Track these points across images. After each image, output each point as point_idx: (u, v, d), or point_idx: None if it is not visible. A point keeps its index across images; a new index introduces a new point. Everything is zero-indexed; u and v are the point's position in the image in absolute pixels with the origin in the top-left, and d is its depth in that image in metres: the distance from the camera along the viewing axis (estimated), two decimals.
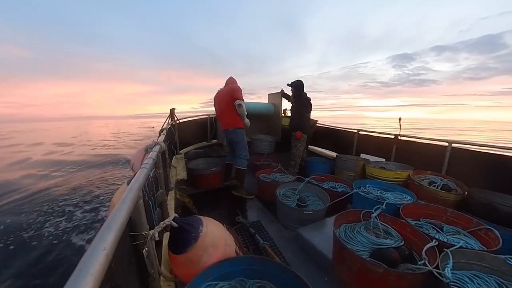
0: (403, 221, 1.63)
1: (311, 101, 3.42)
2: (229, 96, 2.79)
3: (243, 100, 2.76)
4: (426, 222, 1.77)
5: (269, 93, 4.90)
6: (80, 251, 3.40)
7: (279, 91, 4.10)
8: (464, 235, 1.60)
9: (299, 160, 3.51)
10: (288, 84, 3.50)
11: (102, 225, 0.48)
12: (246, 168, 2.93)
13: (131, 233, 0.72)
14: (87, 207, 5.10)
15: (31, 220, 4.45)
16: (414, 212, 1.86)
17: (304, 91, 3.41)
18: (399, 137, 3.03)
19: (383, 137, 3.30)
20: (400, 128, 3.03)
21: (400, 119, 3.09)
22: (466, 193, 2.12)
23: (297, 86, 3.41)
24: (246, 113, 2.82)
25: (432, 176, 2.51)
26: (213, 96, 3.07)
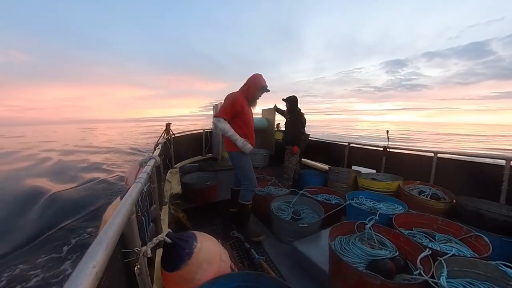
0: (397, 231, 1.62)
1: (304, 116, 3.49)
2: None
3: (223, 118, 2.02)
4: (418, 231, 1.77)
5: (262, 108, 4.99)
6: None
7: (273, 106, 4.19)
8: (456, 243, 1.60)
9: (292, 173, 3.52)
10: (283, 99, 3.58)
11: (93, 241, 0.46)
12: (249, 202, 2.21)
13: (122, 250, 0.69)
14: None
15: None
16: (406, 221, 1.86)
17: (298, 106, 3.50)
18: (388, 149, 3.09)
19: (373, 149, 3.36)
20: (388, 140, 3.10)
21: (387, 131, 3.17)
22: (454, 201, 2.16)
23: (292, 101, 3.48)
24: (229, 132, 2.03)
25: (421, 185, 2.54)
26: (212, 100, 3.11)
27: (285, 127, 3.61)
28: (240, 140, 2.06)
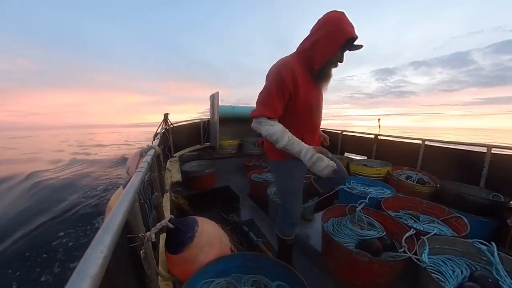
0: (385, 213, 1.68)
1: None
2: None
3: (266, 117, 1.07)
4: (405, 213, 1.84)
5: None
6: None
7: None
8: (438, 223, 1.68)
9: None
10: None
11: (99, 228, 0.47)
12: (290, 237, 1.37)
13: (128, 235, 0.70)
14: None
15: None
16: (394, 204, 1.93)
17: None
18: (378, 137, 3.13)
19: (365, 137, 3.39)
20: (380, 129, 3.14)
21: (379, 119, 3.23)
22: (438, 185, 2.22)
23: None
24: (283, 141, 1.04)
25: (408, 171, 2.61)
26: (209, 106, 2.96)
27: None
28: (305, 152, 1.02)
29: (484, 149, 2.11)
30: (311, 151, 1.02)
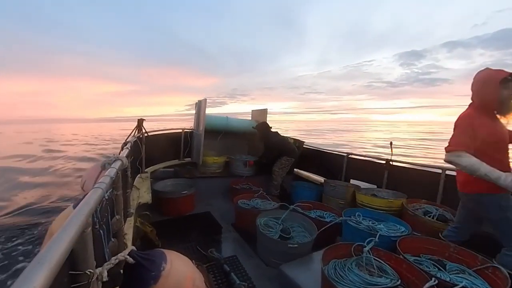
0: (400, 256, 1.65)
1: (279, 136, 3.93)
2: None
3: (463, 150, 1.62)
4: (427, 259, 1.80)
5: (253, 109, 5.03)
6: None
7: (265, 108, 4.39)
8: (470, 274, 1.61)
9: (281, 181, 3.78)
10: (253, 127, 4.04)
11: (32, 260, 0.43)
12: None
13: (70, 272, 0.65)
14: None
15: None
16: (412, 246, 1.88)
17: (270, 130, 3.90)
18: (390, 162, 3.16)
19: (374, 161, 3.42)
20: (392, 153, 3.18)
21: (391, 143, 3.28)
22: None
23: (263, 129, 3.92)
24: (481, 170, 1.55)
25: (426, 205, 2.60)
26: (201, 97, 2.98)
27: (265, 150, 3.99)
28: (504, 177, 1.50)
29: None
30: (505, 175, 1.50)
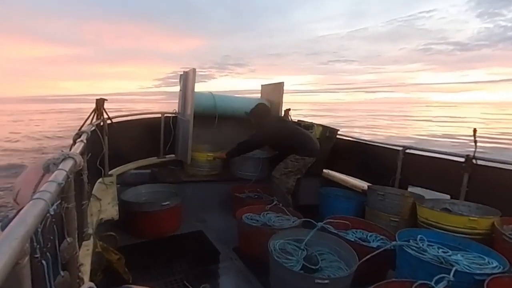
0: None
1: (286, 124, 3.91)
2: None
3: None
4: None
5: (262, 83, 4.85)
6: None
7: (281, 82, 4.37)
8: None
9: (290, 190, 3.51)
10: (245, 113, 3.86)
11: None
12: None
13: None
14: None
15: None
16: None
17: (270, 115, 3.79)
18: (474, 161, 2.91)
19: (446, 159, 3.24)
20: (476, 146, 2.92)
21: (475, 130, 3.01)
22: None
23: (258, 115, 3.71)
24: None
25: None
26: (177, 67, 2.91)
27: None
28: None
29: None
30: None
